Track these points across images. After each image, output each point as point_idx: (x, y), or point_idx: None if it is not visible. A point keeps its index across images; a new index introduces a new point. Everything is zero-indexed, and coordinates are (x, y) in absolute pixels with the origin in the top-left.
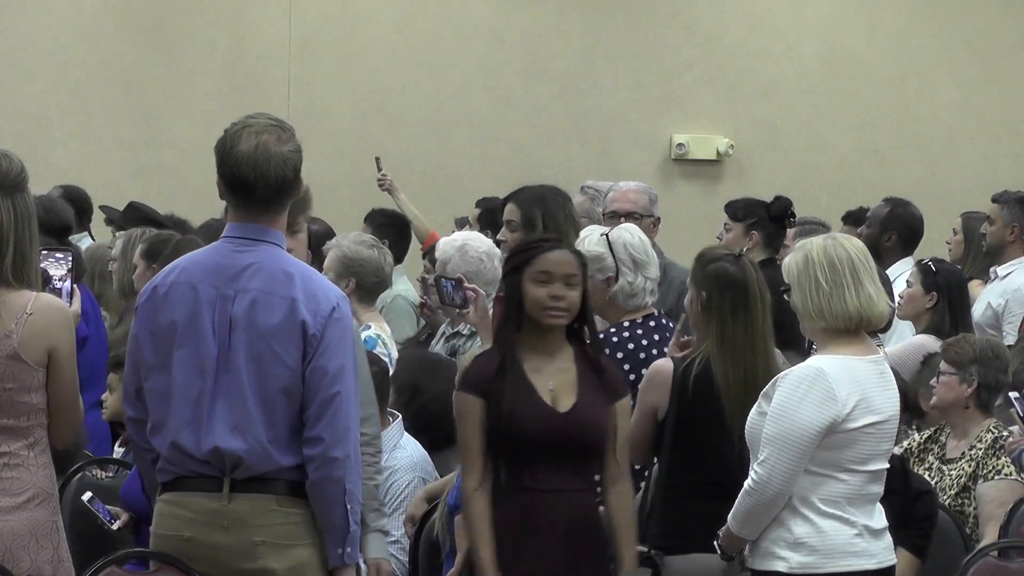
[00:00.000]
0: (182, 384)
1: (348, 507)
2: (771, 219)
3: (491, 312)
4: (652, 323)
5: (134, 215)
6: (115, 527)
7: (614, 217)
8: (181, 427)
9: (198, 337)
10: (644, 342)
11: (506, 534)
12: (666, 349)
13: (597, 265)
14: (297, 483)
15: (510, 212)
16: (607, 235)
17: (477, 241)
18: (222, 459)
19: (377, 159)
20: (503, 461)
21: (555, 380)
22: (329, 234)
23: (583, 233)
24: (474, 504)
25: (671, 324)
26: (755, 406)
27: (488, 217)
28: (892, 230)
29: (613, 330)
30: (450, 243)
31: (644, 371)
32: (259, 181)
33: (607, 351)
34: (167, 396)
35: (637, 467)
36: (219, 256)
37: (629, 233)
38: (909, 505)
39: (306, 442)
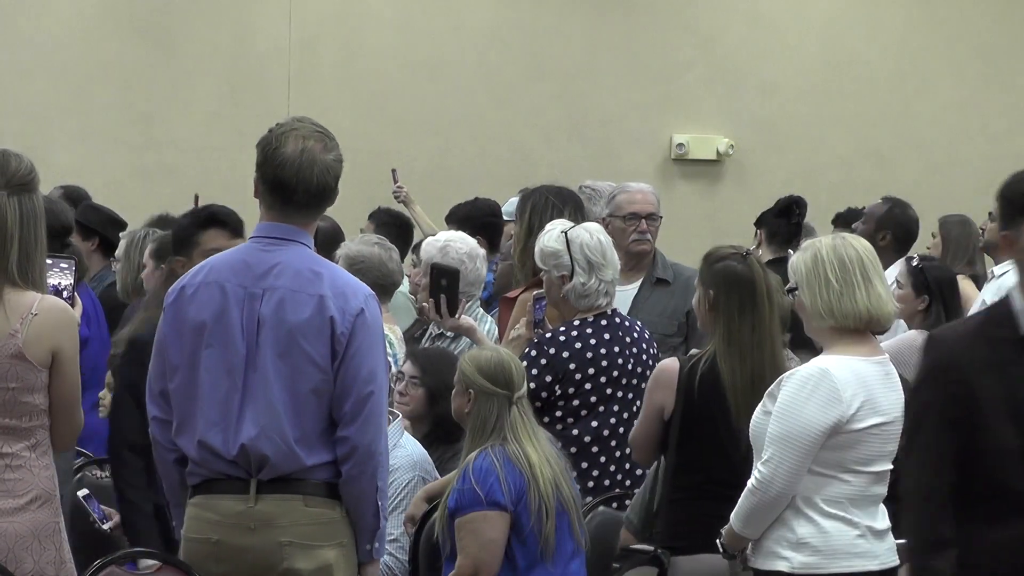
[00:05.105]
0: (210, 384)
1: (379, 504)
2: (777, 214)
3: (487, 313)
4: (604, 322)
5: (96, 216)
6: (106, 527)
7: (634, 219)
8: (209, 427)
9: (226, 337)
10: (592, 341)
11: None
12: (616, 348)
13: (554, 262)
14: (324, 483)
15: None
16: (566, 233)
17: (459, 242)
18: (248, 459)
19: (393, 171)
20: None
21: None
22: (337, 232)
23: (547, 227)
24: None
25: (627, 323)
26: (760, 405)
27: None
28: (888, 230)
29: (563, 328)
30: (432, 244)
31: (590, 370)
32: (300, 185)
33: (554, 349)
34: (193, 396)
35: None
36: (246, 255)
37: (588, 234)
38: None
39: (340, 441)
